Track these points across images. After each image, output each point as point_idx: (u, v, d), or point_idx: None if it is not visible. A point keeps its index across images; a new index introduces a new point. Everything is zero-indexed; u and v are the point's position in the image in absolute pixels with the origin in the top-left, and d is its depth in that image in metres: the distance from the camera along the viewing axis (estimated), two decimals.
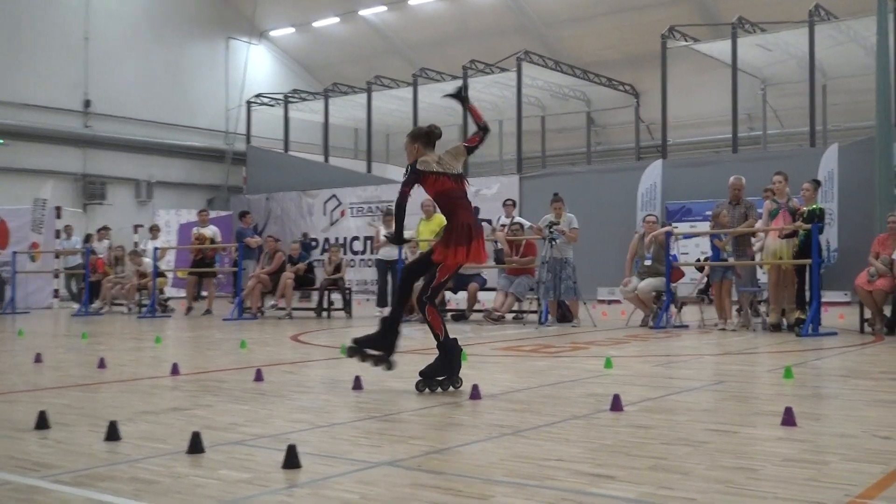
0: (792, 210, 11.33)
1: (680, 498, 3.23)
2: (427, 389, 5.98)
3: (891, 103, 18.14)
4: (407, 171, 6.23)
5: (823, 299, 11.58)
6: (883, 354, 8.81)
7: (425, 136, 6.33)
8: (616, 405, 5.16)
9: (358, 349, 6.30)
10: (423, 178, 6.12)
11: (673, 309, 12.33)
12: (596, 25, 28.87)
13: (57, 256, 20.38)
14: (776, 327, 11.27)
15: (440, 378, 6.05)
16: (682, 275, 12.78)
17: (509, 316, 13.84)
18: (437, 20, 31.14)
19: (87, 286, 17.52)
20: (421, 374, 6.04)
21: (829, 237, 16.84)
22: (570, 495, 3.28)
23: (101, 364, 7.69)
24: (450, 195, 6.19)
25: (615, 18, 28.27)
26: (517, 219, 14.52)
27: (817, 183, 11.81)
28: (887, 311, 10.88)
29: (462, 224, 6.09)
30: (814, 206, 11.17)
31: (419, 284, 6.42)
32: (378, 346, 6.29)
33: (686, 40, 23.27)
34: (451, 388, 6.05)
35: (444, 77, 26.76)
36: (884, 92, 17.95)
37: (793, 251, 11.16)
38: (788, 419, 4.64)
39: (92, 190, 27.31)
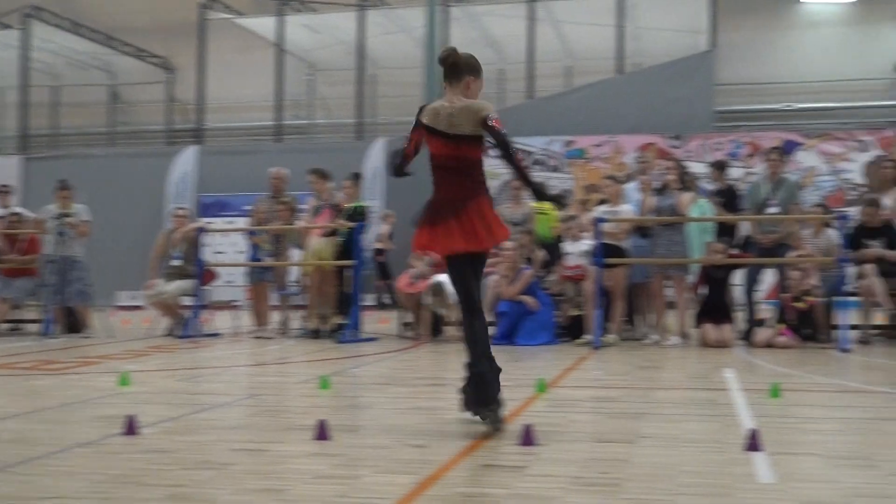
0: (335, 207, 11.91)
1: None
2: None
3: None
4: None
5: (365, 303, 12.30)
6: (422, 360, 9.58)
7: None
8: (130, 428, 5.04)
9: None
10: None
11: (204, 315, 12.35)
12: None
13: None
14: (316, 333, 11.75)
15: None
16: (215, 276, 12.84)
17: (4, 325, 12.96)
18: None
19: None
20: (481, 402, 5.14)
21: (373, 236, 17.98)
22: None
23: None
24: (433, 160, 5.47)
25: None
26: (15, 209, 13.69)
27: (357, 177, 12.53)
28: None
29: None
30: (355, 204, 11.84)
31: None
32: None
33: (227, 13, 23.45)
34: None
35: None
36: (431, 87, 19.60)
37: (334, 251, 11.72)
38: (321, 433, 4.86)
39: None
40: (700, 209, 11.30)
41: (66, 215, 12.32)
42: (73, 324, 12.49)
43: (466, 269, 5.28)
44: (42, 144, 26.59)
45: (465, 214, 5.18)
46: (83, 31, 25.27)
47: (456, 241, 5.20)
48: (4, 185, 14.57)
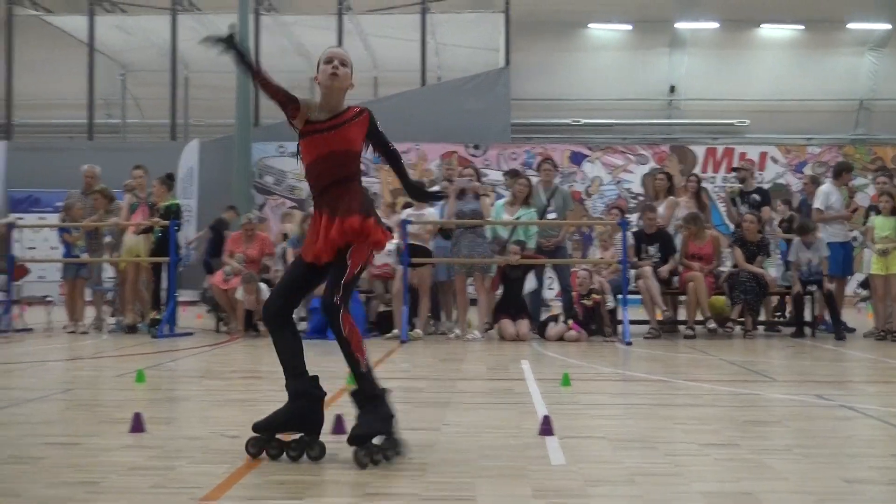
0: (151, 205, 11.60)
1: None
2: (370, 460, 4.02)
3: (250, 103, 19.59)
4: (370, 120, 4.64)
5: (181, 298, 12.02)
6: (236, 353, 9.44)
7: None
8: None
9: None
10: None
11: (15, 311, 11.81)
12: None
13: None
14: (132, 328, 11.41)
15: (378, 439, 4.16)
16: (27, 272, 12.32)
17: None
18: None
19: None
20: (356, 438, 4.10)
21: (189, 234, 17.53)
22: None
23: None
24: None
25: None
26: None
27: (170, 177, 12.22)
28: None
29: None
30: (169, 202, 11.56)
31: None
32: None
33: (36, 10, 22.35)
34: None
35: None
36: (244, 91, 19.30)
37: (149, 248, 11.42)
38: (137, 425, 4.72)
39: None
40: (496, 213, 11.54)
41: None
42: None
43: None
44: None
45: None
46: None
47: None
48: None
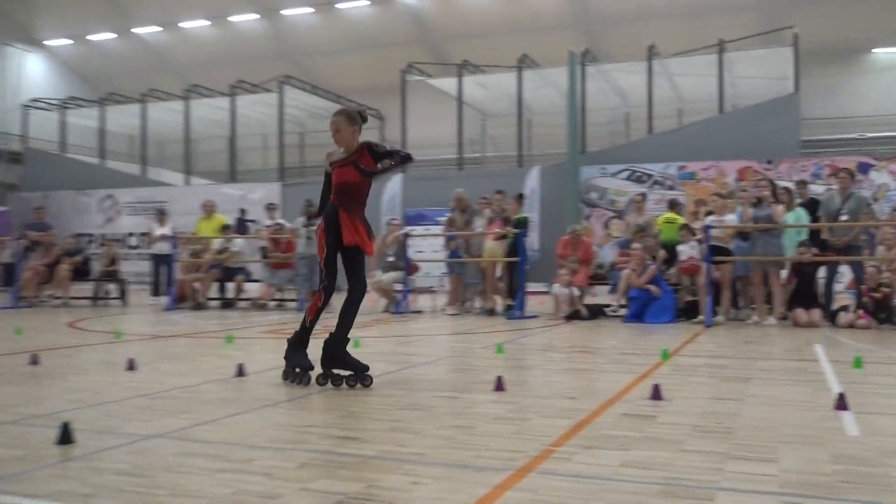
0: (505, 218, 11.97)
1: (412, 453, 3.32)
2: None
3: (577, 136, 19.66)
4: (368, 151, 5.16)
5: (529, 289, 12.26)
6: (572, 333, 9.48)
7: (361, 121, 5.30)
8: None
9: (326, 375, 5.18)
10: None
11: (410, 298, 12.59)
12: (347, 57, 29.01)
13: None
14: (492, 312, 11.82)
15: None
16: (418, 269, 13.11)
17: (272, 304, 13.57)
18: (207, 43, 29.94)
19: None
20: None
21: (532, 240, 17.93)
22: (321, 455, 3.27)
23: None
24: None
25: (363, 53, 28.54)
26: (279, 220, 14.35)
27: (521, 196, 12.53)
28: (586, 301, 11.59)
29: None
30: (519, 216, 11.85)
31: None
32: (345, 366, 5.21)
33: (421, 75, 23.89)
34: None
35: (214, 94, 25.74)
36: (573, 127, 19.44)
37: (504, 251, 11.78)
38: (499, 385, 4.89)
39: None
40: (796, 217, 10.70)
41: (312, 225, 12.79)
42: None
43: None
44: (294, 174, 27.75)
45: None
46: (320, 91, 26.22)
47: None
48: (271, 204, 15.26)
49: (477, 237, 12.26)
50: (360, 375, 5.10)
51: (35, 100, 27.42)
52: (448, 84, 23.75)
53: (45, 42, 30.80)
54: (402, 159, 5.20)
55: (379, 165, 5.16)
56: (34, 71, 30.30)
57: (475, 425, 3.88)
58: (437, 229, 15.39)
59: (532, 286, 15.48)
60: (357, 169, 5.18)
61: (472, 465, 3.12)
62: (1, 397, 4.65)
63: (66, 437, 3.44)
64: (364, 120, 5.33)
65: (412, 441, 3.54)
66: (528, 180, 19.42)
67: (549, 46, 24.39)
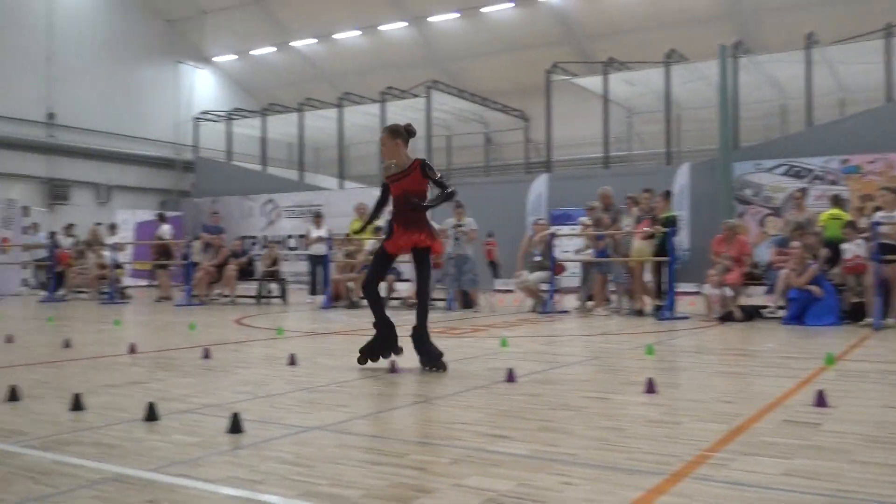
0: (653, 217, 11.64)
1: (564, 453, 3.29)
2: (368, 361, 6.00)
3: (730, 131, 18.82)
4: (420, 167, 5.68)
5: (677, 290, 11.88)
6: (726, 335, 9.10)
7: (406, 134, 5.81)
8: (510, 377, 5.21)
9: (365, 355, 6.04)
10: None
11: (556, 297, 12.50)
12: (492, 60, 29.13)
13: (25, 249, 19.62)
14: (640, 312, 11.54)
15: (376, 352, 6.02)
16: (564, 269, 12.99)
17: None
18: (358, 52, 30.96)
19: (53, 276, 16.84)
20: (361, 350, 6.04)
21: (682, 239, 17.34)
22: (473, 452, 3.30)
23: (67, 344, 7.38)
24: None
25: (508, 55, 28.57)
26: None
27: (668, 194, 12.14)
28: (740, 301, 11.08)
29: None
30: (667, 214, 11.48)
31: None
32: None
33: (566, 75, 23.64)
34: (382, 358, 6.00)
35: (365, 100, 26.58)
36: (725, 121, 18.61)
37: (653, 250, 11.46)
38: (650, 387, 4.76)
39: (56, 192, 26.27)
40: None
41: (460, 226, 12.96)
42: (467, 302, 13.11)
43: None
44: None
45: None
46: (466, 95, 26.49)
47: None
48: None
49: (624, 236, 12.00)
50: (437, 362, 5.74)
51: (204, 112, 29.38)
52: (593, 82, 23.38)
53: (214, 59, 32.89)
54: (446, 197, 5.74)
55: (426, 203, 5.75)
56: (204, 86, 32.46)
57: (626, 427, 3.80)
58: (572, 229, 15.13)
59: (682, 286, 14.99)
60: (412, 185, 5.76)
61: (624, 468, 3.05)
62: (179, 388, 4.99)
63: (235, 426, 3.65)
64: (410, 134, 5.81)
65: (563, 441, 3.51)
66: (678, 177, 18.80)
67: (699, 39, 23.46)
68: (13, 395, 4.48)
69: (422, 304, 5.90)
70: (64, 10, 27.11)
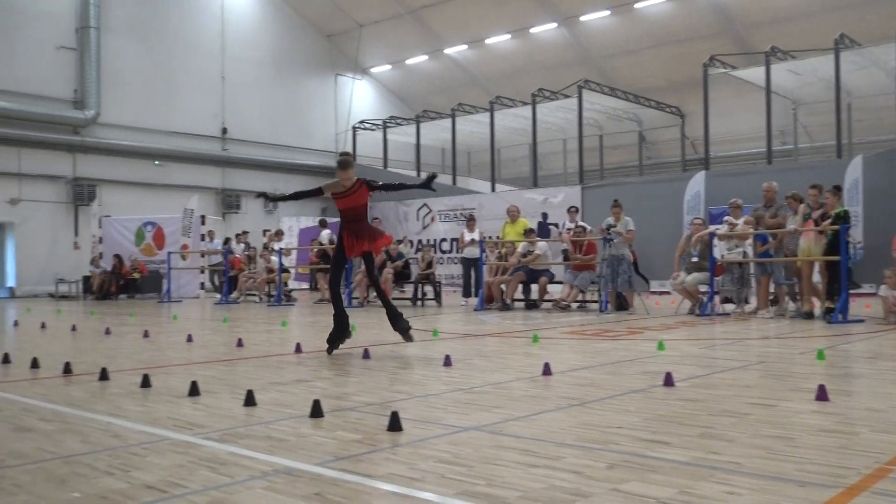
0: (822, 214, 10.92)
1: (727, 461, 3.15)
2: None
3: None
4: (364, 184, 7.14)
5: (851, 291, 11.10)
6: None
7: (352, 163, 7.22)
8: (668, 381, 5.06)
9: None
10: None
11: (716, 299, 12.01)
12: (645, 56, 28.39)
13: (202, 255, 21.08)
14: (809, 315, 10.87)
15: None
16: (724, 270, 12.39)
17: (574, 305, 13.69)
18: (509, 55, 31.07)
19: (227, 280, 18.00)
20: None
21: (855, 236, 16.18)
22: (631, 458, 3.23)
23: (239, 343, 7.88)
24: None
25: (662, 50, 27.75)
26: (580, 223, 14.48)
27: (837, 189, 11.35)
28: None
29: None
30: (838, 210, 10.74)
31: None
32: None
33: (725, 68, 22.66)
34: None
35: (516, 103, 26.64)
36: None
37: (822, 249, 10.76)
38: (821, 395, 4.48)
39: (229, 201, 28.17)
40: None
41: (614, 226, 12.72)
42: (621, 304, 12.85)
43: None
44: (593, 176, 27.82)
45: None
46: (618, 93, 25.95)
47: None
48: (573, 206, 15.42)
49: (789, 235, 11.34)
50: (407, 334, 7.34)
51: (362, 121, 30.51)
52: (754, 74, 22.25)
53: (371, 69, 34.09)
54: (395, 187, 7.51)
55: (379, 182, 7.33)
56: (361, 96, 33.73)
57: (795, 436, 3.59)
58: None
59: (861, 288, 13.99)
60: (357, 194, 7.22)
61: (794, 479, 2.89)
62: (343, 387, 5.21)
63: (395, 424, 3.76)
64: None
65: (726, 449, 3.37)
66: (850, 171, 17.58)
67: (873, 21, 21.83)
68: (194, 391, 4.84)
69: (378, 292, 7.65)
70: (235, 32, 29.01)
